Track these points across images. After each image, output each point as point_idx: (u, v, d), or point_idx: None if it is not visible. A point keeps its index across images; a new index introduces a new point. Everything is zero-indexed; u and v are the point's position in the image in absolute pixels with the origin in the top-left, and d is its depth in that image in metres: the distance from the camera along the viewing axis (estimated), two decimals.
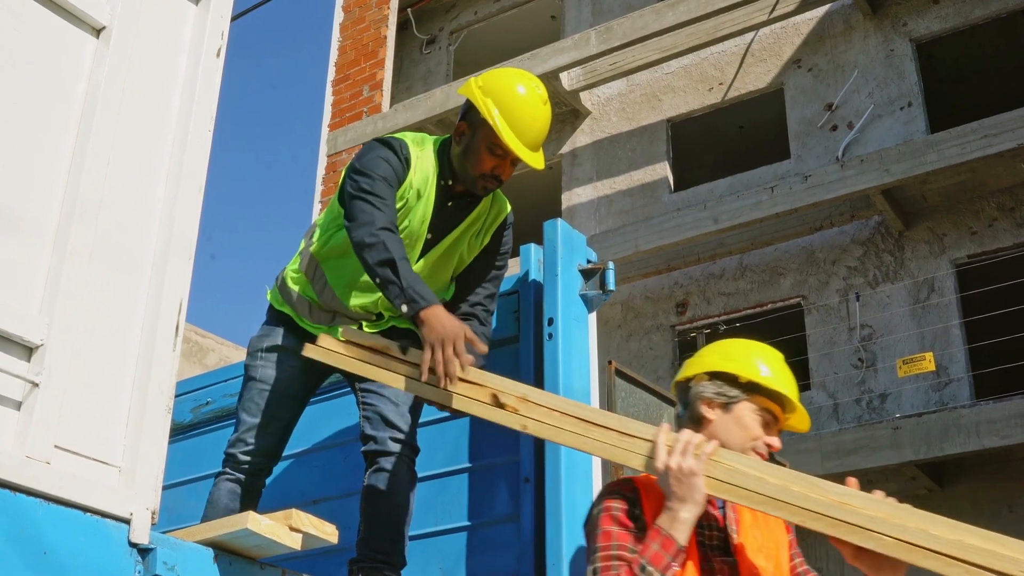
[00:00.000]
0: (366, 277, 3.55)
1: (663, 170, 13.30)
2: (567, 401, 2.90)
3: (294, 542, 2.56)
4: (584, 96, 14.13)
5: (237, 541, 2.48)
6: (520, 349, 3.89)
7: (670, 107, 13.58)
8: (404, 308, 3.19)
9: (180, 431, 4.94)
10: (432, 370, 3.07)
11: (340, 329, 3.42)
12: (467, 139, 3.56)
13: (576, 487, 3.65)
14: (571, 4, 15.12)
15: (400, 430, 3.55)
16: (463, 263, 3.72)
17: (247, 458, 3.57)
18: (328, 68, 15.89)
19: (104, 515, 2.17)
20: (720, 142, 14.12)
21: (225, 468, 3.60)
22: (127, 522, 2.21)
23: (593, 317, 3.95)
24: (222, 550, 2.47)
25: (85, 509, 2.14)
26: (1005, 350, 11.08)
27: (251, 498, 3.59)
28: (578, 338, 3.84)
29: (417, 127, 14.18)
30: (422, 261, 3.62)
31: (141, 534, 2.22)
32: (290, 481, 4.39)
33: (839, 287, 11.76)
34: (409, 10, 16.17)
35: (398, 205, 3.51)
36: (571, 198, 13.81)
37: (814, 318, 11.82)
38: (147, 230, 2.47)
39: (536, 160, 3.52)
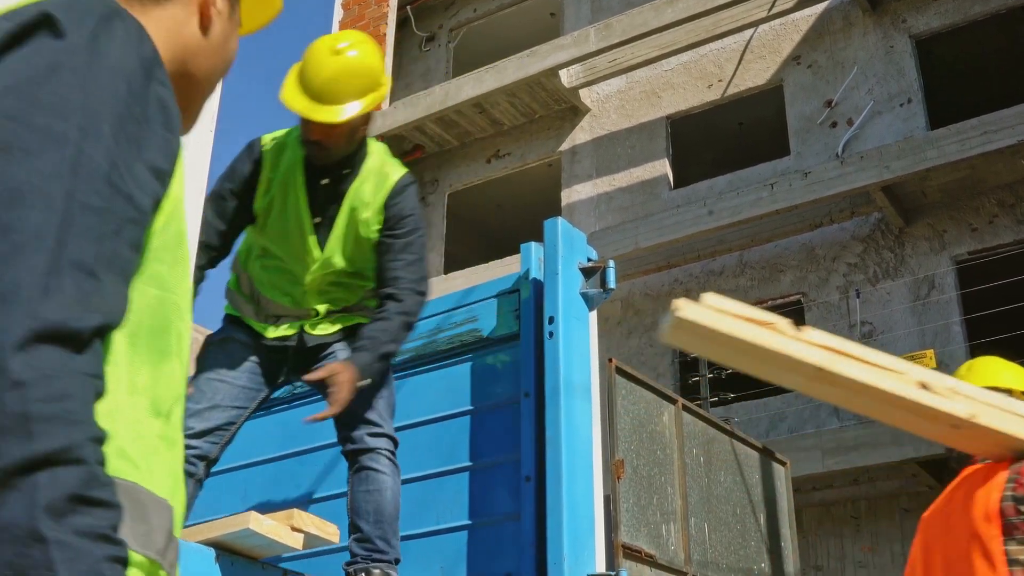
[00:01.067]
0: (284, 277, 3.61)
1: (663, 167, 13.30)
2: (988, 392, 2.80)
3: (296, 542, 2.55)
4: (583, 93, 14.12)
5: (239, 541, 2.47)
6: (521, 347, 3.89)
7: (669, 104, 13.58)
8: None
9: None
10: None
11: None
12: None
13: (577, 486, 3.65)
14: (570, 1, 15.11)
15: (376, 424, 3.54)
16: (360, 237, 3.67)
17: (187, 442, 3.50)
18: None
19: None
20: (719, 139, 14.12)
21: None
22: None
23: (594, 315, 3.95)
24: (223, 550, 2.46)
25: None
26: (1006, 347, 11.07)
27: (190, 486, 3.51)
28: (579, 336, 3.83)
29: (416, 125, 14.18)
30: (317, 238, 3.62)
31: None
32: (290, 480, 4.38)
33: (839, 284, 11.76)
34: (408, 7, 16.16)
35: (261, 203, 3.61)
36: (571, 195, 13.81)
37: (814, 315, 11.81)
38: None
39: (320, 113, 3.43)
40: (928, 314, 11.19)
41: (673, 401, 5.07)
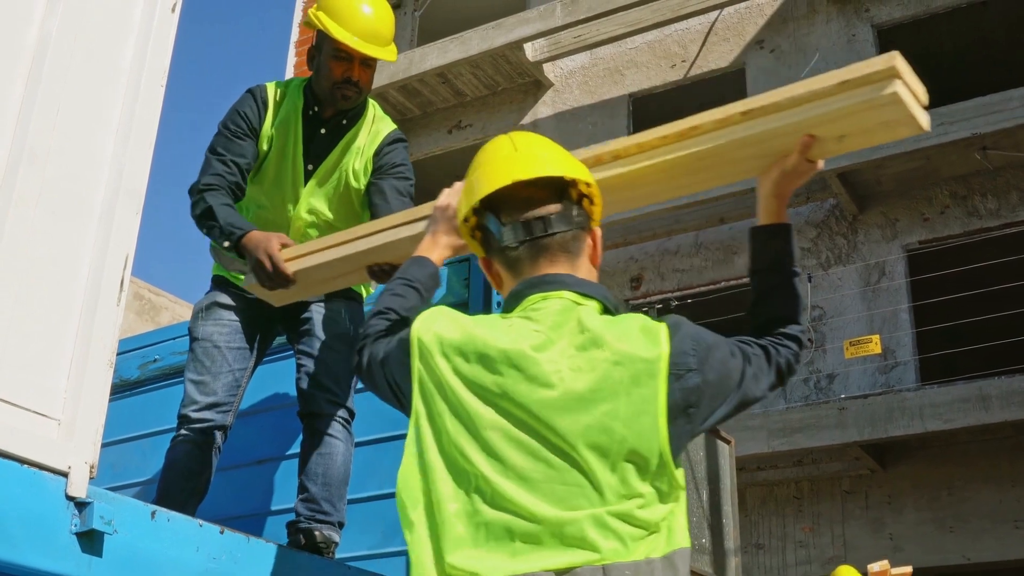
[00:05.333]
0: (269, 227, 3.60)
1: None
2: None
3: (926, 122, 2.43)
4: (547, 68, 14.11)
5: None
6: (468, 314, 3.89)
7: (632, 82, 13.59)
8: (226, 243, 3.32)
9: (127, 388, 4.91)
10: (269, 278, 3.16)
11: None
12: (317, 59, 3.63)
13: None
14: None
15: (334, 392, 3.57)
16: (351, 186, 3.71)
17: (199, 415, 3.56)
18: (292, 28, 15.75)
19: (42, 467, 2.16)
20: (680, 119, 14.14)
21: (180, 430, 3.58)
22: (65, 475, 2.19)
23: None
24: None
25: (22, 461, 2.13)
26: (951, 335, 11.22)
27: (207, 458, 3.58)
28: None
29: (378, 92, 14.10)
30: (308, 186, 3.65)
31: (79, 488, 2.21)
32: (235, 440, 4.38)
33: None
34: None
35: (263, 146, 3.62)
36: None
37: None
38: (95, 182, 2.45)
39: (382, 52, 3.55)
40: (877, 300, 11.32)
41: None
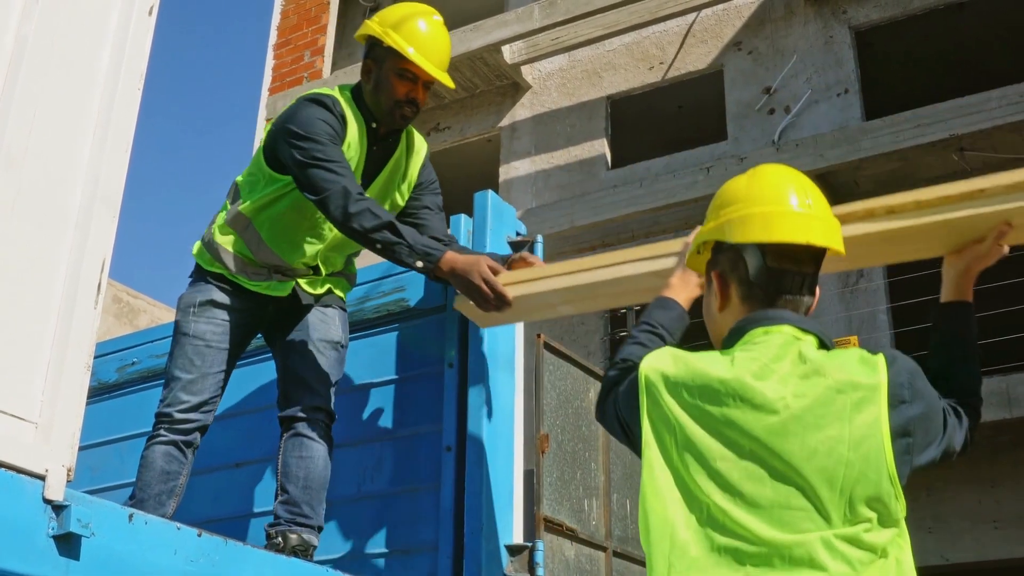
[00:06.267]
0: (305, 232, 3.58)
1: (601, 146, 13.35)
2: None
3: None
4: (525, 70, 14.12)
5: None
6: (446, 318, 3.91)
7: (610, 84, 13.61)
8: (420, 264, 3.30)
9: (105, 391, 4.91)
10: (488, 301, 3.21)
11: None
12: (376, 74, 3.61)
13: (497, 457, 3.69)
14: None
15: (318, 394, 3.57)
16: (396, 205, 3.73)
17: (184, 415, 3.53)
18: (270, 32, 15.72)
19: (18, 471, 2.16)
20: (658, 121, 14.19)
21: (159, 429, 3.54)
22: (42, 478, 2.20)
23: None
24: None
25: None
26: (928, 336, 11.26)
27: (187, 458, 3.57)
28: None
29: None
30: None
31: (56, 491, 2.21)
32: (213, 443, 4.38)
33: None
34: None
35: None
36: (509, 171, 13.82)
37: None
38: (72, 186, 2.45)
39: (446, 76, 3.63)
40: (856, 302, 11.37)
41: (600, 378, 5.11)
